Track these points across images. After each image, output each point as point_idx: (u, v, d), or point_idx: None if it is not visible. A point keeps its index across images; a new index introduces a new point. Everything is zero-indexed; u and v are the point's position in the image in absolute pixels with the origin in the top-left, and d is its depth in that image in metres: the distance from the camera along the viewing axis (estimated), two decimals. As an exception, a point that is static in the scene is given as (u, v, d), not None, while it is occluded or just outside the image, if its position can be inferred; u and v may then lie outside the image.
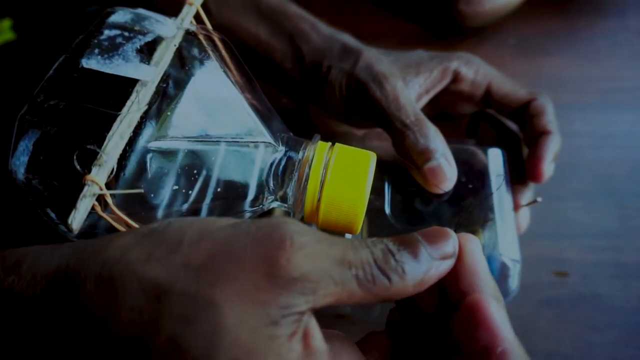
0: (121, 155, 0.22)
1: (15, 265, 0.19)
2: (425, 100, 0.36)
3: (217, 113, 0.26)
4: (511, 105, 0.37)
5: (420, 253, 0.21)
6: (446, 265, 0.21)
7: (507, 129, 0.38)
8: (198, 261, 0.18)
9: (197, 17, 0.29)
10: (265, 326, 0.18)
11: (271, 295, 0.18)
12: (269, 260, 0.18)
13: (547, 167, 0.35)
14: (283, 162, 0.27)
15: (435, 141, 0.31)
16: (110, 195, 0.22)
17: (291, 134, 0.28)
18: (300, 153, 0.26)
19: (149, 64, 0.25)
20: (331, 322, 0.36)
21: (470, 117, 0.40)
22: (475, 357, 0.20)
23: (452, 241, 0.22)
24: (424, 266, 0.21)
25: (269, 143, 0.26)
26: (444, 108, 0.39)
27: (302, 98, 0.39)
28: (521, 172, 0.37)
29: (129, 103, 0.23)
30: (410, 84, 0.34)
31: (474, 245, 0.22)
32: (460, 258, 0.22)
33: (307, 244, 0.19)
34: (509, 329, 0.20)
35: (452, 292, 0.22)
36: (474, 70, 0.36)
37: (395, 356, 0.23)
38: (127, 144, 0.23)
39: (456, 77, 0.36)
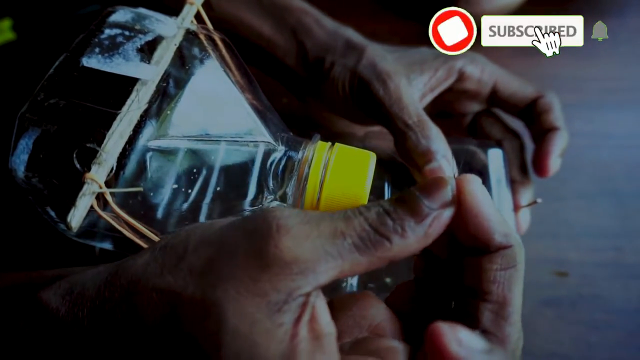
0: (121, 153, 0.22)
1: (69, 291, 0.21)
2: (429, 98, 0.35)
3: (217, 112, 0.26)
4: (519, 104, 0.37)
5: (418, 207, 0.20)
6: (448, 214, 0.20)
7: (510, 128, 0.38)
8: (200, 266, 0.19)
9: (198, 16, 0.29)
10: (267, 317, 0.18)
11: (269, 285, 0.18)
12: (259, 251, 0.19)
13: (554, 162, 0.35)
14: (283, 162, 0.27)
15: (437, 143, 0.30)
16: (110, 193, 0.22)
17: (291, 133, 0.28)
18: (300, 153, 0.26)
19: (149, 63, 0.25)
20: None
21: (473, 116, 0.40)
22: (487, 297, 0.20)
23: (450, 187, 0.20)
24: (424, 220, 0.20)
25: (269, 142, 0.26)
26: (447, 106, 0.38)
27: (305, 93, 0.38)
28: (523, 172, 0.37)
29: (129, 102, 0.23)
30: (414, 82, 0.34)
31: (474, 184, 0.21)
32: (461, 201, 0.20)
33: (293, 226, 0.19)
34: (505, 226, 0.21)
35: (461, 236, 0.21)
36: (480, 69, 0.36)
37: (420, 303, 0.23)
38: (127, 143, 0.23)
39: (461, 76, 0.35)
